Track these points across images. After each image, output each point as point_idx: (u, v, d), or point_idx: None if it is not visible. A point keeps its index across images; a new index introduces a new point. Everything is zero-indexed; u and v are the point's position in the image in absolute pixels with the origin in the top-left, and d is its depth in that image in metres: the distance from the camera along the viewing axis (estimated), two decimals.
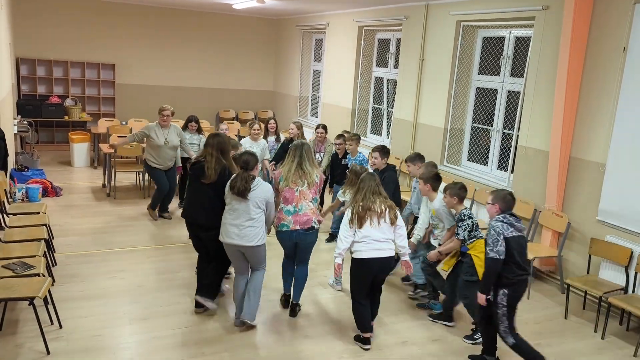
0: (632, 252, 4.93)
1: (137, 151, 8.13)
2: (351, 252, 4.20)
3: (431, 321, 4.81)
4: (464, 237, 4.39)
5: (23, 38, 10.52)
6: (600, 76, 5.34)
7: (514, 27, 6.58)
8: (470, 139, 7.47)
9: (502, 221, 3.87)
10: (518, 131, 6.40)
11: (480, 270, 4.22)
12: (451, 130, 7.49)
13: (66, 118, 10.69)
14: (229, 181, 4.28)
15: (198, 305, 4.64)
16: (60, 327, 4.22)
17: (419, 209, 5.13)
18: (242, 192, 4.17)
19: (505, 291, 3.86)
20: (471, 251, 4.38)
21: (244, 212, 4.22)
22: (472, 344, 4.45)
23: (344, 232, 4.19)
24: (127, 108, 11.58)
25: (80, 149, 9.71)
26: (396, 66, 8.75)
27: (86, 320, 4.39)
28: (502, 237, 3.80)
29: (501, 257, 3.80)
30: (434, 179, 4.74)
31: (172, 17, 11.83)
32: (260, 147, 6.95)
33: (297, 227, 4.40)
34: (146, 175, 8.23)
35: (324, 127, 7.45)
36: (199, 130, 7.66)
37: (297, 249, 4.58)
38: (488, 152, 7.07)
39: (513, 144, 6.52)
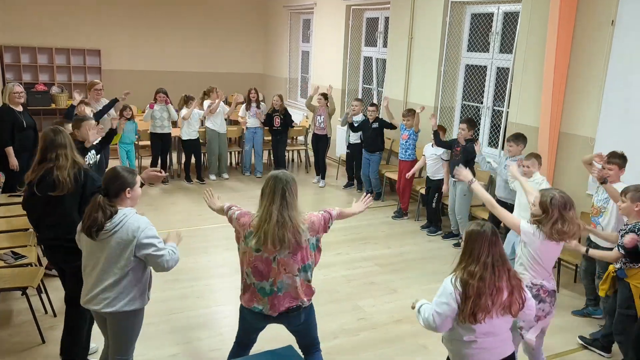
0: None
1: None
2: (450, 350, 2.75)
3: (582, 344, 4.17)
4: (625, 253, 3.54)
5: (5, 25, 10.32)
6: (588, 50, 5.33)
7: (502, 2, 6.52)
8: (461, 117, 7.46)
9: None
10: (508, 108, 6.39)
11: None
12: (441, 108, 7.47)
13: (53, 106, 10.55)
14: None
15: None
16: (55, 315, 4.22)
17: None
18: (90, 231, 2.74)
19: None
20: (630, 279, 3.61)
21: (100, 262, 2.80)
22: None
23: (439, 310, 2.56)
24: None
25: None
26: (385, 45, 8.69)
27: None
28: None
29: None
30: None
31: (157, 0, 11.63)
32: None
33: (276, 315, 2.95)
34: (135, 161, 8.24)
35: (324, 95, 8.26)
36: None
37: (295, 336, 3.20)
38: (479, 129, 7.07)
39: (503, 120, 6.52)
